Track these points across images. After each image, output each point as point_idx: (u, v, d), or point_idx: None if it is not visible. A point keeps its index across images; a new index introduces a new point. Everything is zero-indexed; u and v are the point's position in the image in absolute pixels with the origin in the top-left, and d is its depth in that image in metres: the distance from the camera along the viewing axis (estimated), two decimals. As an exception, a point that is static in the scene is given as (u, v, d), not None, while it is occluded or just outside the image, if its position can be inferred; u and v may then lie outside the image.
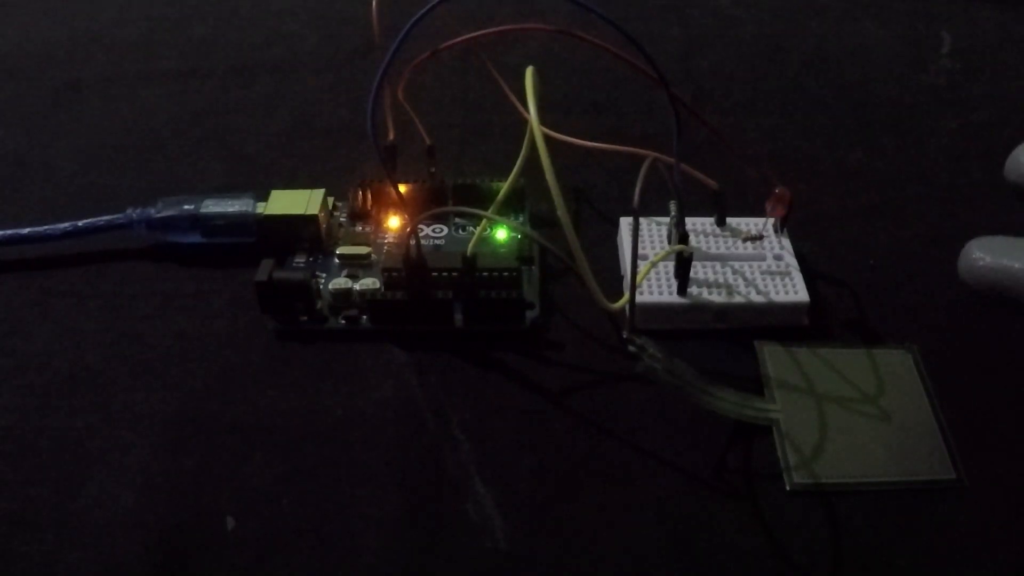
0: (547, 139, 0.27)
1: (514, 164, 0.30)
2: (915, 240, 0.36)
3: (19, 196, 0.38)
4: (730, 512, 0.27)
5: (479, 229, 0.30)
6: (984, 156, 0.40)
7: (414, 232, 0.30)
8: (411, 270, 0.30)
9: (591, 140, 0.33)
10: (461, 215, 0.35)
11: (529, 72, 0.28)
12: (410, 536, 0.26)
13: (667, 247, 0.33)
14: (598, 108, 0.43)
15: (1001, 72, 0.46)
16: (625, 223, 0.34)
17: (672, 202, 0.31)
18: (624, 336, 0.27)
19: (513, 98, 0.34)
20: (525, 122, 0.28)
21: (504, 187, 0.30)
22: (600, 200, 0.38)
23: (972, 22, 0.50)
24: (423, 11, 0.27)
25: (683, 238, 0.31)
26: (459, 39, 0.30)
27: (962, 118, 0.43)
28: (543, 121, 0.28)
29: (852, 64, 0.47)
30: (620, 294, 0.31)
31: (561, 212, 0.26)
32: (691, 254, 0.30)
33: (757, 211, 0.34)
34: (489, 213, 0.29)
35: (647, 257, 0.32)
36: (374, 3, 0.32)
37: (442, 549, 0.26)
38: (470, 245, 0.30)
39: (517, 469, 0.28)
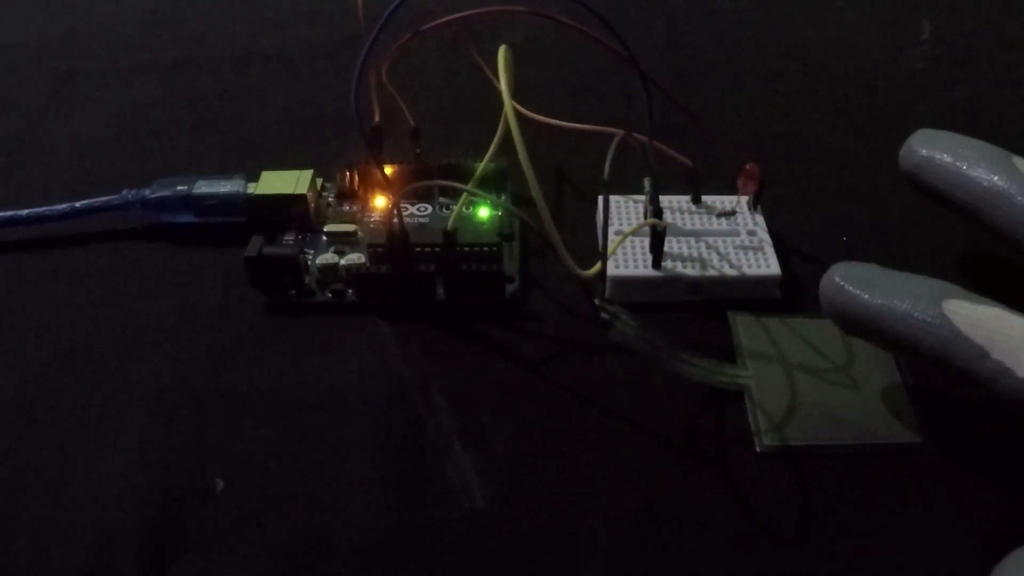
0: (525, 120, 0.28)
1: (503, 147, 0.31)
2: (888, 218, 0.37)
3: (18, 180, 0.39)
4: (701, 473, 0.28)
5: (459, 204, 0.31)
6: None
7: (397, 207, 0.31)
8: (394, 245, 0.31)
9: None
10: (445, 195, 0.36)
11: (502, 51, 0.29)
12: (392, 496, 0.27)
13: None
14: (581, 94, 0.44)
15: (980, 57, 0.47)
16: (602, 200, 0.35)
17: (647, 179, 0.32)
18: (596, 303, 0.28)
19: (497, 83, 0.35)
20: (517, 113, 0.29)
21: (481, 163, 0.31)
22: (582, 181, 0.39)
23: (953, 9, 0.51)
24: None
25: (657, 213, 0.32)
26: (440, 20, 0.31)
27: (939, 101, 0.44)
28: (526, 105, 0.29)
29: (832, 51, 0.48)
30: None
31: (526, 167, 0.27)
32: (664, 228, 0.31)
33: (733, 191, 0.35)
34: (469, 187, 0.30)
35: (624, 232, 0.33)
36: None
37: (423, 509, 0.27)
38: (450, 220, 0.31)
39: (496, 434, 0.29)
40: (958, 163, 0.31)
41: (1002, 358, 0.25)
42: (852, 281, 0.28)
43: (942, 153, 0.32)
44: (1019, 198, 0.30)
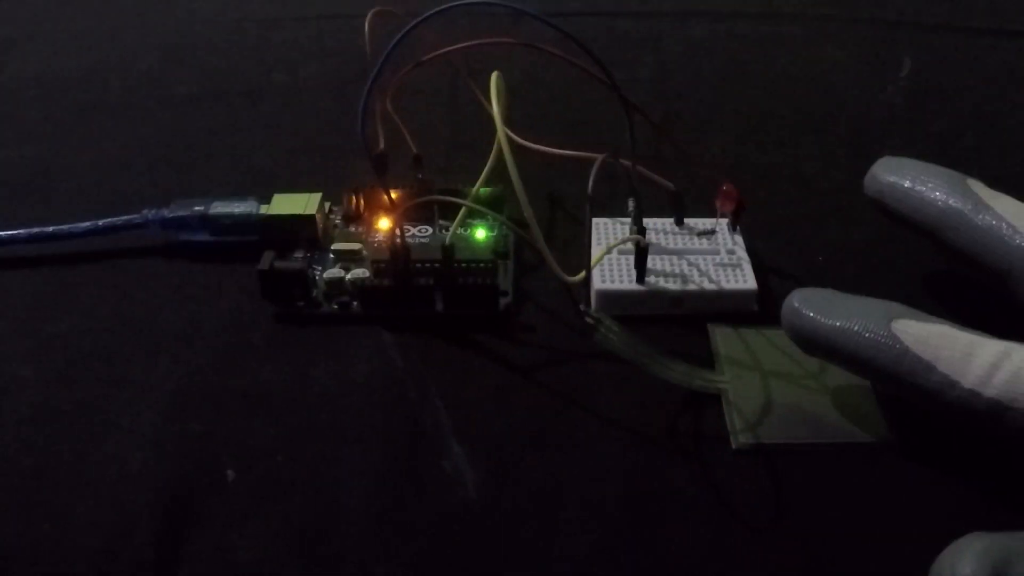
0: (519, 148, 0.30)
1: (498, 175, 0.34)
2: (863, 241, 0.39)
3: (45, 201, 0.42)
4: (679, 468, 0.30)
5: (457, 220, 0.34)
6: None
7: (399, 224, 0.33)
8: (396, 260, 0.34)
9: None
10: (445, 218, 0.38)
11: (494, 77, 0.31)
12: (391, 487, 0.29)
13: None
14: (575, 127, 0.47)
15: (958, 92, 0.50)
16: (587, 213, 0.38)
17: (630, 199, 0.35)
18: (580, 308, 0.30)
19: (495, 115, 0.38)
20: (509, 139, 0.32)
21: (476, 184, 0.33)
22: (575, 207, 0.41)
23: (933, 48, 0.54)
24: (410, 25, 0.30)
25: (641, 231, 0.34)
26: (440, 51, 0.34)
27: (915, 132, 0.46)
28: (523, 138, 0.30)
29: (814, 87, 0.50)
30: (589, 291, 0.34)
31: (517, 186, 0.29)
32: (647, 244, 0.34)
33: (714, 215, 0.37)
34: (468, 202, 0.33)
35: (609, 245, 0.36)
36: (367, 25, 0.35)
37: (419, 498, 0.29)
38: (448, 236, 0.34)
39: (489, 431, 0.31)
40: (917, 187, 0.33)
41: (948, 371, 0.27)
42: (808, 305, 0.30)
43: (902, 179, 0.34)
44: (973, 218, 0.32)
